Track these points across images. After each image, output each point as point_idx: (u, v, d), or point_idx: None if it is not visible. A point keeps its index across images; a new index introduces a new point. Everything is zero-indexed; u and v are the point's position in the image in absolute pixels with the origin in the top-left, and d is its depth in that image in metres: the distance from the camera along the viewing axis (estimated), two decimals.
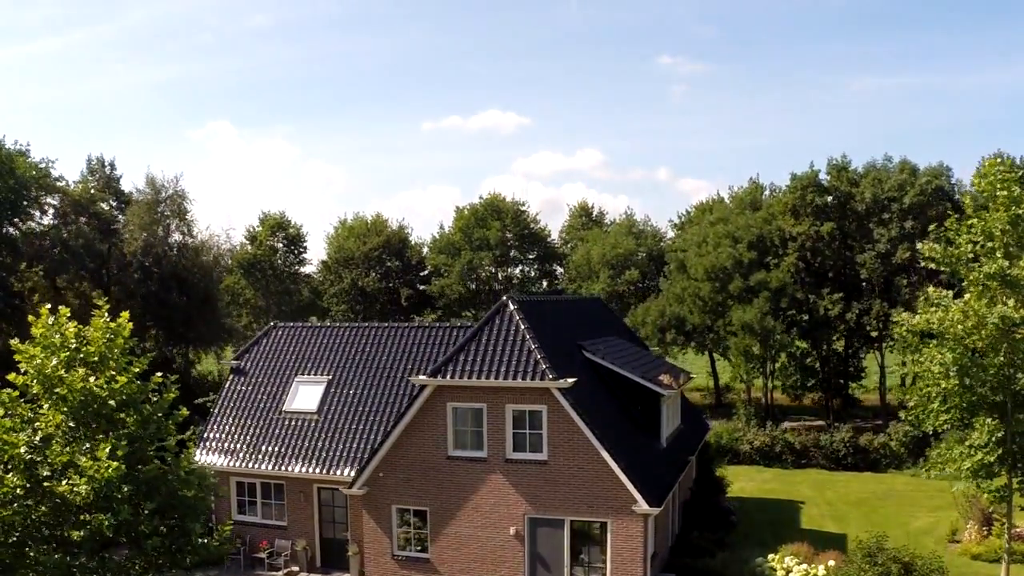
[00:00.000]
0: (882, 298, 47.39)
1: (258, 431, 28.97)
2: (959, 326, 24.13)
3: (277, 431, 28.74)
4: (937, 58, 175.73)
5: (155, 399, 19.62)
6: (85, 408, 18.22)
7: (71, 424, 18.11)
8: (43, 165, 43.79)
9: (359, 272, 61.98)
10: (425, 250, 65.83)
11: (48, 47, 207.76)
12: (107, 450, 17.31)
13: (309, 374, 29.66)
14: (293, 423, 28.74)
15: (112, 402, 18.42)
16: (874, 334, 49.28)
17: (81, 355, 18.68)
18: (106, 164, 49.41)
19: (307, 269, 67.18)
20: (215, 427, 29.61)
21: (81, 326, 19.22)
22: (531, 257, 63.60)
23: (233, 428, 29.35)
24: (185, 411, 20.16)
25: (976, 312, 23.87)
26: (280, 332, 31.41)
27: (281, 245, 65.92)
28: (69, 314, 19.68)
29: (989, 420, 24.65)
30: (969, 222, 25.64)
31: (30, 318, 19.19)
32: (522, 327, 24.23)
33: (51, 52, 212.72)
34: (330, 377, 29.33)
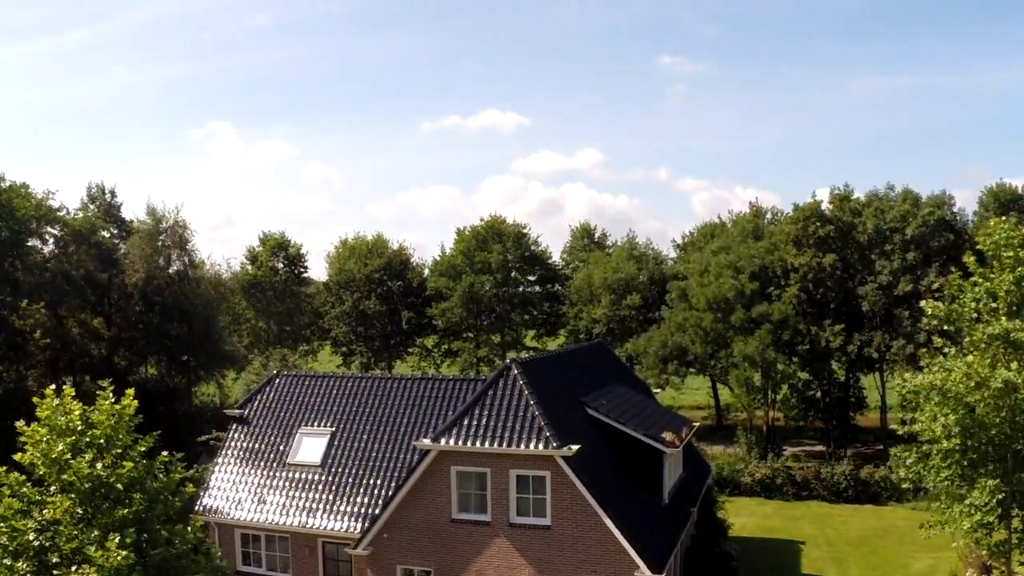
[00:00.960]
0: (883, 330, 47.44)
1: (262, 483, 29.02)
2: (961, 386, 24.23)
3: (281, 483, 28.79)
4: (938, 58, 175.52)
5: (162, 476, 19.68)
6: (93, 493, 18.27)
7: (79, 510, 18.15)
8: (43, 196, 43.83)
9: (360, 295, 62.03)
10: (426, 271, 65.91)
11: (48, 47, 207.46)
12: (116, 540, 17.36)
13: (312, 425, 29.69)
14: (297, 475, 28.79)
15: (119, 485, 18.47)
16: (875, 355, 49.36)
17: (87, 438, 18.72)
18: (106, 192, 49.51)
19: (310, 275, 67.31)
20: (219, 476, 29.66)
21: (86, 407, 19.26)
22: (532, 279, 63.60)
23: (237, 479, 29.40)
24: (192, 487, 20.24)
25: (979, 373, 23.95)
26: (283, 381, 31.44)
27: (282, 265, 66.03)
28: (74, 393, 19.72)
29: (990, 481, 24.72)
30: (973, 280, 25.72)
31: (35, 399, 19.22)
32: (525, 392, 24.27)
33: (51, 52, 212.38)
34: (333, 429, 29.37)
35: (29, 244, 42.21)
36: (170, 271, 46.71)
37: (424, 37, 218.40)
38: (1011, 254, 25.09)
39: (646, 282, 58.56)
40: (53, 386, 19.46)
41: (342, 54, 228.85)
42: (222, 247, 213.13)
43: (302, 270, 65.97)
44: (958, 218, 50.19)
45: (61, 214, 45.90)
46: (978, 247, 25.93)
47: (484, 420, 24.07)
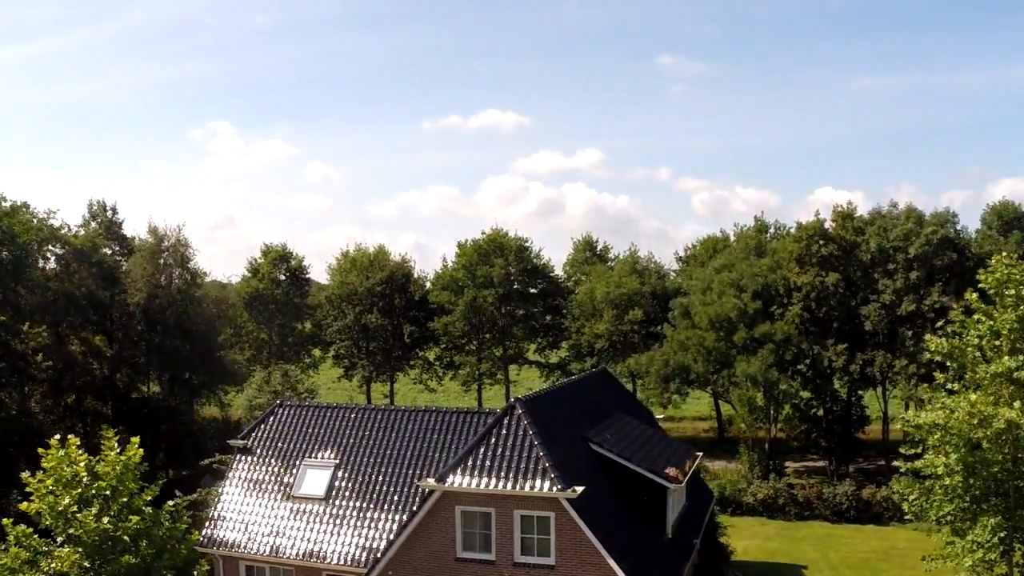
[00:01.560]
0: (886, 349, 47.45)
1: (267, 515, 29.05)
2: (965, 424, 24.29)
3: (286, 515, 28.83)
4: (938, 58, 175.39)
5: (168, 524, 19.74)
6: (100, 545, 18.33)
7: (86, 563, 18.20)
8: (44, 216, 43.91)
9: (362, 308, 62.08)
10: (428, 283, 65.96)
11: (48, 47, 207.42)
12: None
13: (316, 457, 29.72)
14: (301, 508, 28.82)
15: (126, 537, 18.54)
16: (877, 375, 49.36)
17: (93, 490, 18.77)
18: (107, 208, 49.62)
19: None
20: (224, 508, 29.69)
21: (92, 457, 19.30)
22: (534, 292, 63.60)
23: (242, 510, 29.43)
24: (197, 535, 20.30)
25: (982, 412, 24.00)
26: (286, 411, 31.47)
27: (284, 277, 66.08)
28: (79, 443, 19.75)
29: (992, 519, 24.79)
30: (976, 317, 25.76)
31: (40, 451, 19.26)
32: (530, 432, 24.30)
33: (51, 52, 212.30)
34: (337, 461, 29.40)
35: (31, 271, 42.24)
36: (172, 289, 46.71)
37: (424, 37, 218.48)
38: (1013, 292, 25.15)
39: (648, 296, 58.55)
40: (58, 436, 19.48)
41: (342, 54, 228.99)
42: (222, 247, 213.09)
43: (304, 282, 65.98)
44: (962, 236, 50.17)
45: (63, 232, 45.95)
46: (980, 285, 25.95)
47: (488, 460, 24.10)
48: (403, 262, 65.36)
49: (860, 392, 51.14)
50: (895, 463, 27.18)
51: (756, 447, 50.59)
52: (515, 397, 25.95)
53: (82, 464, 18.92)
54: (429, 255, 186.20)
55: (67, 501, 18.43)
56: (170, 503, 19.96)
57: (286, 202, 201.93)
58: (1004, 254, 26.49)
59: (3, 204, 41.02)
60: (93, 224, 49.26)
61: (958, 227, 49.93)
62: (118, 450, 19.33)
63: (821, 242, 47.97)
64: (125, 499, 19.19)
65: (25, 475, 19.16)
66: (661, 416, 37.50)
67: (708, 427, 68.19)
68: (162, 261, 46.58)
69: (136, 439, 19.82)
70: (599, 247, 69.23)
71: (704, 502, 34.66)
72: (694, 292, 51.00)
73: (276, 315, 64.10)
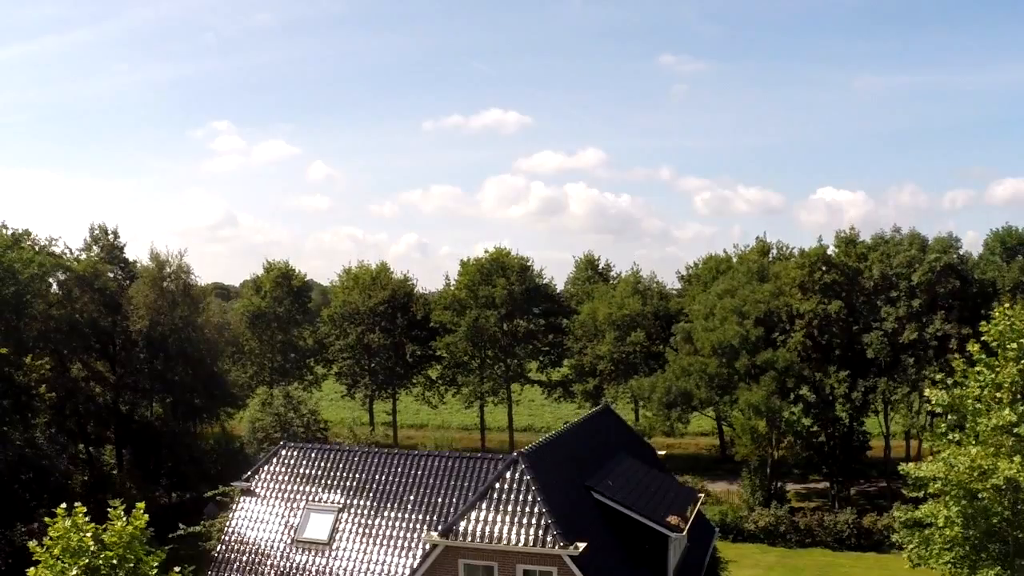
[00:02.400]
0: (888, 376, 47.55)
1: (271, 558, 29.17)
2: (965, 476, 24.40)
3: (290, 560, 28.94)
4: (940, 57, 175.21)
5: None
6: None
7: None
8: (46, 243, 44.07)
9: (365, 328, 62.23)
10: (428, 288, 66.28)
11: (50, 46, 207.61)
12: None
13: (320, 500, 29.82)
14: (305, 552, 28.93)
15: None
16: (879, 402, 49.45)
17: (100, 560, 18.88)
18: (109, 232, 49.83)
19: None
20: (227, 551, 29.81)
21: (98, 527, 19.40)
22: (537, 312, 63.71)
23: (245, 553, 29.54)
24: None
25: (982, 466, 24.11)
26: (289, 452, 31.55)
27: (286, 294, 66.19)
28: (85, 513, 19.83)
29: (991, 571, 24.92)
30: (977, 369, 25.84)
31: (47, 519, 19.37)
32: (532, 488, 24.38)
33: (53, 51, 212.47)
34: (341, 504, 29.50)
35: (33, 296, 42.35)
36: (174, 316, 46.77)
37: (426, 36, 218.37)
38: (1015, 346, 25.22)
39: (650, 316, 58.66)
40: (64, 505, 19.57)
41: (344, 53, 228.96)
42: (224, 246, 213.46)
43: (306, 300, 66.15)
44: (967, 262, 50.18)
45: (65, 256, 46.07)
46: (983, 338, 26.02)
47: (491, 514, 24.19)
48: (405, 280, 65.49)
49: (862, 419, 51.22)
50: (895, 513, 27.30)
51: (758, 471, 50.72)
52: (517, 451, 26.05)
53: (89, 534, 19.01)
54: (431, 254, 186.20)
55: (74, 572, 18.53)
56: (176, 570, 20.07)
57: (288, 202, 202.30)
58: (1007, 305, 26.58)
59: (4, 232, 41.11)
60: (95, 248, 49.40)
61: (961, 251, 49.98)
62: (124, 520, 19.41)
63: (824, 268, 48.03)
64: (131, 565, 19.31)
65: (32, 544, 19.26)
66: (663, 453, 37.59)
67: (710, 444, 68.28)
68: (164, 286, 46.68)
69: (142, 504, 19.91)
70: (601, 264, 69.32)
71: (705, 539, 34.75)
72: (696, 317, 51.09)
73: (278, 332, 64.23)
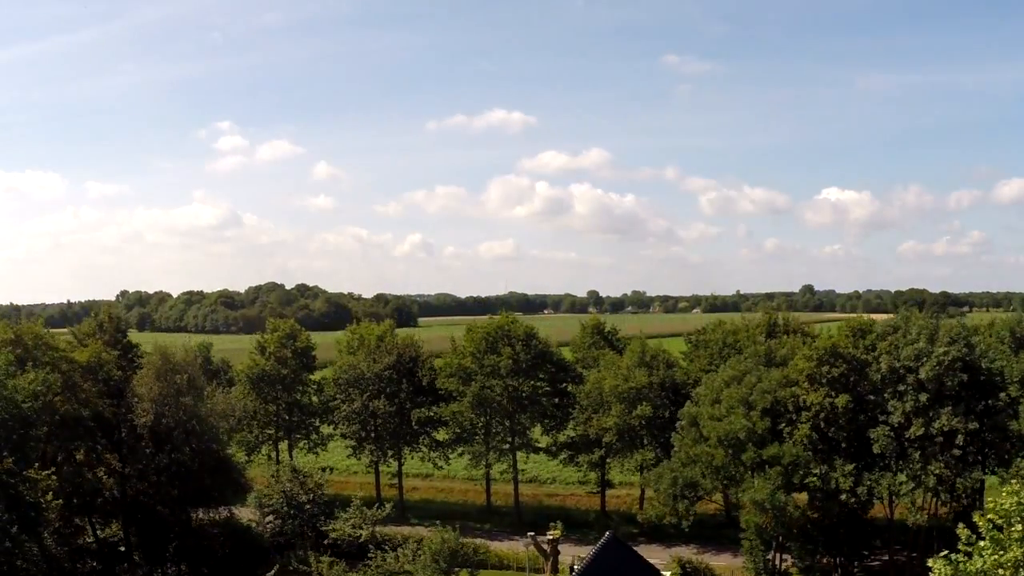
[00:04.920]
0: (893, 470, 47.23)
1: None
2: None
3: None
4: (945, 56, 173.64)
5: None
6: None
7: None
8: (50, 335, 44.09)
9: (370, 394, 62.19)
10: (432, 358, 66.01)
11: (57, 46, 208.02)
12: None
13: None
14: None
15: None
16: (884, 495, 49.10)
17: None
18: (112, 317, 49.94)
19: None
20: None
21: None
22: (543, 377, 63.49)
23: None
24: None
25: None
26: None
27: (290, 354, 66.20)
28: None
29: None
30: (983, 544, 25.48)
31: None
32: None
33: (60, 51, 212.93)
34: None
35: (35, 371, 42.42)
36: (179, 409, 46.56)
37: (430, 37, 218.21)
38: (1020, 527, 24.85)
39: (657, 388, 58.41)
40: None
41: (348, 54, 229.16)
42: (228, 246, 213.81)
43: (310, 360, 66.17)
44: (974, 349, 49.55)
45: (69, 343, 46.08)
46: (988, 516, 25.65)
47: None
48: (411, 342, 65.34)
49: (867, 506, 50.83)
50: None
51: (760, 550, 50.11)
52: None
53: None
54: (435, 254, 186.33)
55: None
56: None
57: (292, 202, 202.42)
58: (1014, 481, 26.19)
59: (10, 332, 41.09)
60: (99, 333, 49.37)
61: (972, 341, 49.36)
62: None
63: (831, 362, 47.64)
64: None
65: None
66: None
67: (716, 508, 67.95)
68: (168, 380, 46.55)
69: None
70: (606, 328, 69.04)
71: None
72: (703, 403, 50.76)
73: (283, 392, 64.31)
